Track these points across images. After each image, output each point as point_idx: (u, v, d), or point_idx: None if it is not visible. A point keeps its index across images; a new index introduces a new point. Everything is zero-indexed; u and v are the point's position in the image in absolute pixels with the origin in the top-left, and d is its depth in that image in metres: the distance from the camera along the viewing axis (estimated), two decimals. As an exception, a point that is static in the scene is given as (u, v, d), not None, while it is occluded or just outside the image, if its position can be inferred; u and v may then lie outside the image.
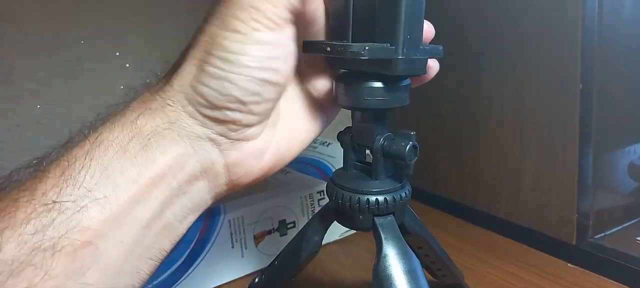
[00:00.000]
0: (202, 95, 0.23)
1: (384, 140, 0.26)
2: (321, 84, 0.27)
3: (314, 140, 0.55)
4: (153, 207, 0.23)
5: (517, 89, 0.46)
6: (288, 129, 0.26)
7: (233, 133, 0.24)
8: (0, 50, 0.44)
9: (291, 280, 0.33)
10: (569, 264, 0.43)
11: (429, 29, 0.25)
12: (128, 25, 0.49)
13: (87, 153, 0.22)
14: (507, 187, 0.48)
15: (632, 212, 0.47)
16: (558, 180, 0.43)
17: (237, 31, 0.22)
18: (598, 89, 0.41)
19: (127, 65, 0.49)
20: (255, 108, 0.23)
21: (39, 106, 0.46)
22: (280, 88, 0.24)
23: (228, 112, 0.23)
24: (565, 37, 0.41)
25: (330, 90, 0.27)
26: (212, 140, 0.24)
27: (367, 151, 0.28)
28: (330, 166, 0.50)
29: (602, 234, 0.44)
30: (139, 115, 0.23)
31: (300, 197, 0.46)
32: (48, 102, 0.46)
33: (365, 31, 0.24)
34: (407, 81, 0.26)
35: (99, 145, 0.22)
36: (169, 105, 0.23)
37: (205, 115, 0.23)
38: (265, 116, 0.24)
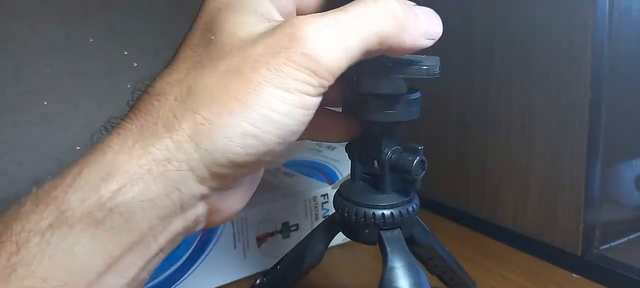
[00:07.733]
0: (224, 154, 0.19)
1: (392, 153, 0.26)
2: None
3: (319, 144, 0.55)
4: (128, 274, 0.20)
5: (524, 98, 0.45)
6: None
7: (228, 185, 0.22)
8: (10, 47, 0.44)
9: (292, 285, 0.33)
10: (573, 275, 0.43)
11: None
12: (137, 25, 0.49)
13: (44, 234, 0.18)
14: (513, 196, 0.48)
15: (638, 225, 0.46)
16: (564, 191, 0.43)
17: (288, 91, 0.19)
18: (607, 99, 0.41)
19: (135, 64, 0.49)
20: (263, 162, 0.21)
21: (46, 103, 0.46)
22: None
23: (241, 169, 0.20)
24: (575, 46, 0.41)
25: None
26: (204, 196, 0.21)
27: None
28: (334, 170, 0.50)
29: (608, 245, 0.44)
30: (124, 185, 0.19)
31: (304, 200, 0.46)
32: (55, 100, 0.46)
33: None
34: (419, 94, 0.26)
35: (61, 224, 0.18)
36: (171, 172, 0.19)
37: (213, 172, 0.20)
38: None
